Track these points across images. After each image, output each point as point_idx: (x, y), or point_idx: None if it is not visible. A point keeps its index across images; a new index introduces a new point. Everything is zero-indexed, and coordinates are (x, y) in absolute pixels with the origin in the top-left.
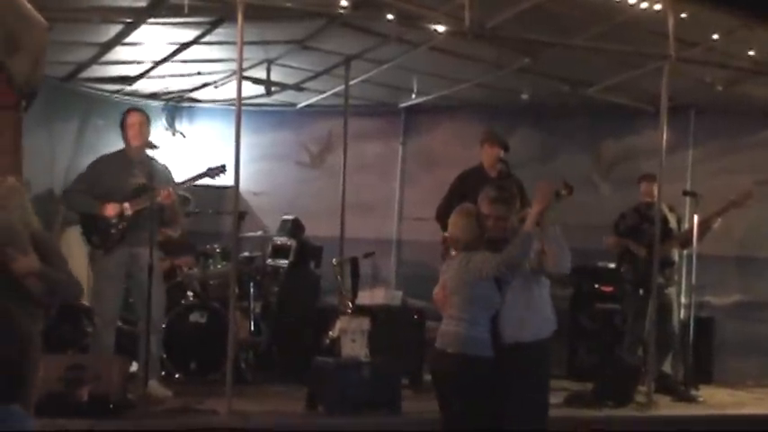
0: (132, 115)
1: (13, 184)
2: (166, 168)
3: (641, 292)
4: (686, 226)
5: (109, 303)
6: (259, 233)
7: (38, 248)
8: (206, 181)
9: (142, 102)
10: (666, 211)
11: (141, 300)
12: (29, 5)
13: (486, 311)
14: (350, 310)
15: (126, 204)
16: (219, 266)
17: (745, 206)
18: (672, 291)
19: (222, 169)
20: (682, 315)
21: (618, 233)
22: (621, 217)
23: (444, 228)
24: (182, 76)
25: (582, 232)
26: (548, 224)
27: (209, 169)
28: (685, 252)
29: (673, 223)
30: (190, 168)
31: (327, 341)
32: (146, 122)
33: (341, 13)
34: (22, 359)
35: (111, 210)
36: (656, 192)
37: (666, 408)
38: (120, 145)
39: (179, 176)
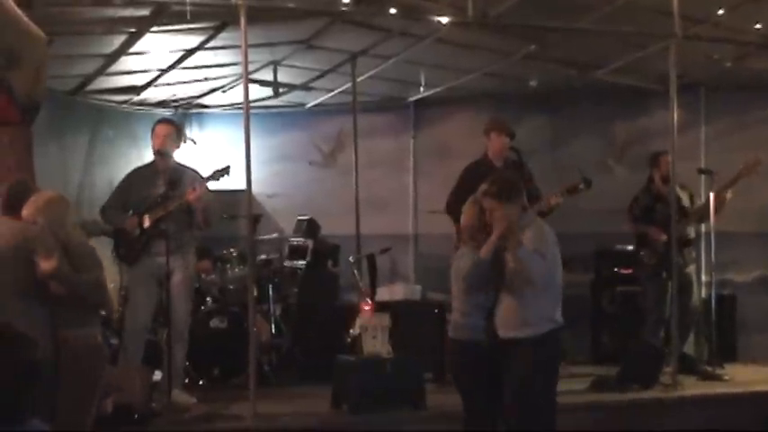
0: (160, 127)
1: (51, 198)
2: (197, 173)
3: (663, 274)
4: (699, 202)
5: (138, 314)
6: (275, 235)
7: (68, 256)
8: (219, 185)
9: (151, 111)
10: (678, 189)
11: (172, 307)
12: (27, 20)
13: (478, 305)
14: (369, 307)
15: (145, 216)
16: (237, 270)
17: (755, 174)
18: (691, 269)
19: (226, 170)
20: (703, 294)
21: (633, 217)
22: (635, 200)
23: (456, 221)
24: (189, 82)
25: (599, 216)
26: (514, 249)
27: (215, 171)
28: (703, 230)
29: (686, 201)
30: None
31: (349, 339)
32: (172, 133)
33: (343, 11)
34: (25, 382)
35: (130, 223)
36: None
37: (692, 388)
38: (134, 154)
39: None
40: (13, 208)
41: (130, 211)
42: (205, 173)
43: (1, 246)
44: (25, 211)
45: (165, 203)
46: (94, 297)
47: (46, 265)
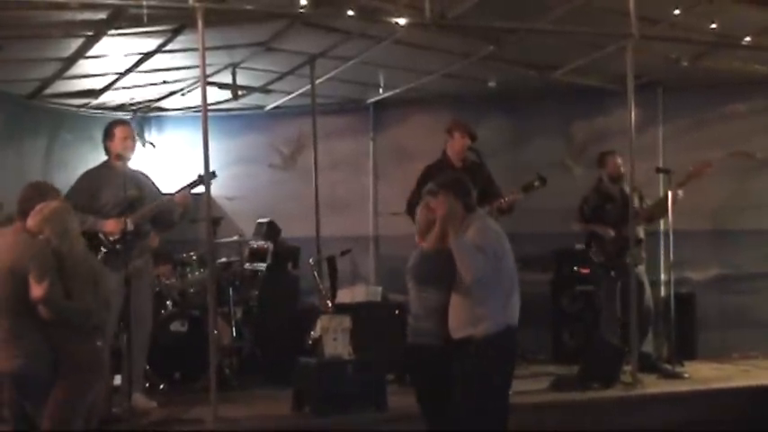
0: (122, 129)
1: (56, 209)
2: (148, 176)
3: (612, 273)
4: (649, 202)
5: (114, 318)
6: (235, 238)
7: (65, 275)
8: (178, 188)
9: (110, 114)
10: (628, 189)
11: (136, 310)
12: None
13: (429, 307)
14: (330, 309)
15: (127, 219)
16: (197, 274)
17: (705, 175)
18: (642, 269)
19: (213, 175)
20: (663, 292)
21: (583, 217)
22: (584, 200)
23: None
24: (147, 85)
25: (558, 216)
26: (452, 237)
27: (200, 176)
28: (662, 228)
29: (635, 201)
30: (162, 178)
31: (310, 342)
32: (133, 135)
33: (301, 13)
34: None
35: (114, 225)
36: (621, 164)
37: (652, 386)
38: (93, 158)
39: (161, 187)
40: (26, 213)
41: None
42: (191, 177)
43: (1, 262)
44: (30, 221)
45: (146, 206)
46: (80, 323)
47: (36, 291)
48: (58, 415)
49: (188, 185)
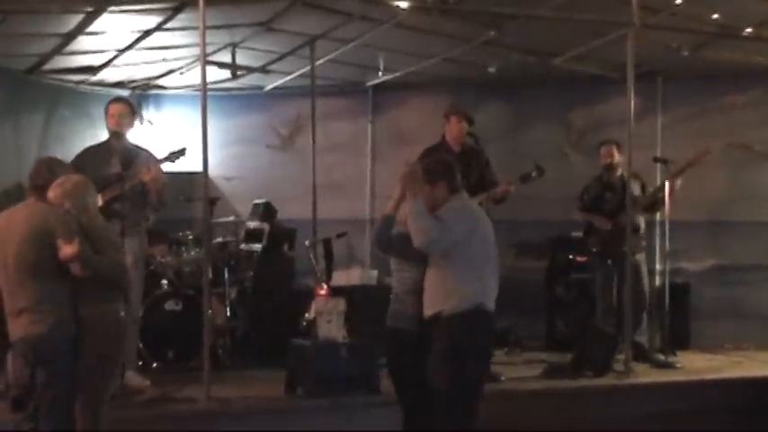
0: (114, 106)
1: (77, 182)
2: (150, 154)
3: (609, 262)
4: (651, 191)
5: None
6: (231, 218)
7: (89, 240)
8: (176, 168)
9: (108, 91)
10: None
11: None
12: None
13: (405, 287)
14: (325, 292)
15: (98, 195)
16: (193, 253)
17: (703, 163)
18: (641, 257)
19: (182, 152)
20: (658, 282)
21: (583, 206)
22: (585, 189)
23: None
24: (146, 63)
25: (556, 203)
26: (408, 200)
27: (171, 153)
28: (657, 219)
29: (636, 190)
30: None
31: (304, 323)
32: (126, 113)
33: None
34: None
35: None
36: (615, 153)
37: (645, 375)
38: (90, 134)
39: None
40: (37, 189)
41: None
42: (161, 154)
43: (22, 228)
44: (51, 194)
45: (119, 183)
46: (115, 277)
47: (67, 249)
48: (91, 391)
49: (158, 160)
